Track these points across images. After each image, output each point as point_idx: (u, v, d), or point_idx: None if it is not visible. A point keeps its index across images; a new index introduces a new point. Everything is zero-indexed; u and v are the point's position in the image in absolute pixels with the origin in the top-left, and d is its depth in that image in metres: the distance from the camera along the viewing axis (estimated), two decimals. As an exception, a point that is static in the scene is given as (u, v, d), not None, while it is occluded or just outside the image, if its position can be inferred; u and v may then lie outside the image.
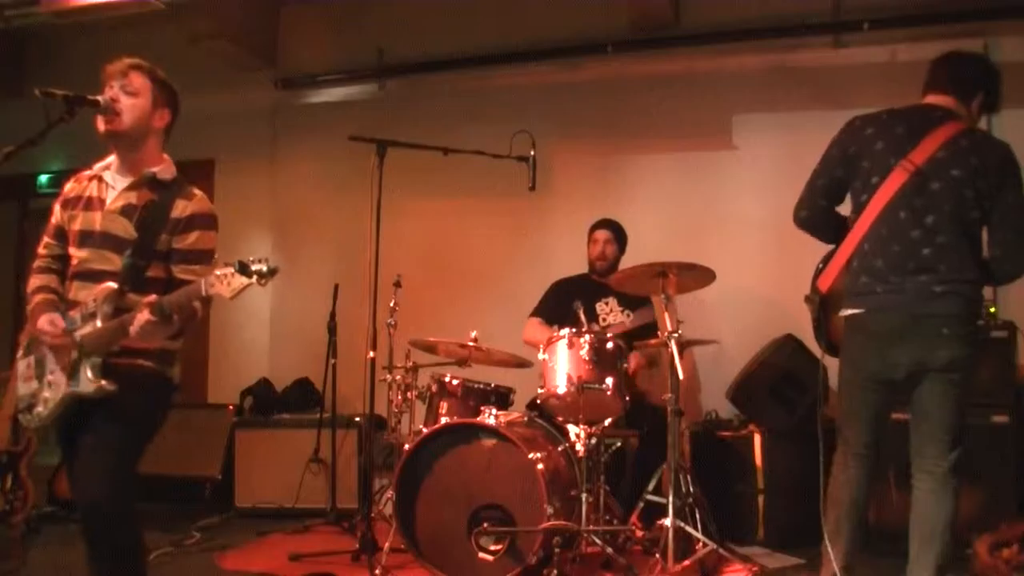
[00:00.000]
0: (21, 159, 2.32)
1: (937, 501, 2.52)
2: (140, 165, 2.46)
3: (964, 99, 2.64)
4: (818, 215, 2.73)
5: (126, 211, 2.40)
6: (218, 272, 2.11)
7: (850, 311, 2.60)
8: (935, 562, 2.48)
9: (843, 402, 2.70)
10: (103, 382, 2.28)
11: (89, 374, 2.28)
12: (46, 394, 2.38)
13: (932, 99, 2.66)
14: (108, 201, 2.43)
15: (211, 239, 2.44)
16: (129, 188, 2.44)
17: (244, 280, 2.09)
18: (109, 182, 2.46)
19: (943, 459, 2.53)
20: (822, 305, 2.71)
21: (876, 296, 2.52)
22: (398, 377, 3.95)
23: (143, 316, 2.18)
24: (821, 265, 2.76)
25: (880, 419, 2.64)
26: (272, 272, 2.11)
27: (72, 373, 2.32)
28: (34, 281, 2.50)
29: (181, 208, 2.41)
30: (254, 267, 2.10)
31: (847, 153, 2.64)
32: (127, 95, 2.40)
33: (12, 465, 4.15)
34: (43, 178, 6.25)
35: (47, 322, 2.37)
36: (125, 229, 2.38)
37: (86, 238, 2.41)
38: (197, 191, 2.49)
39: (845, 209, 2.77)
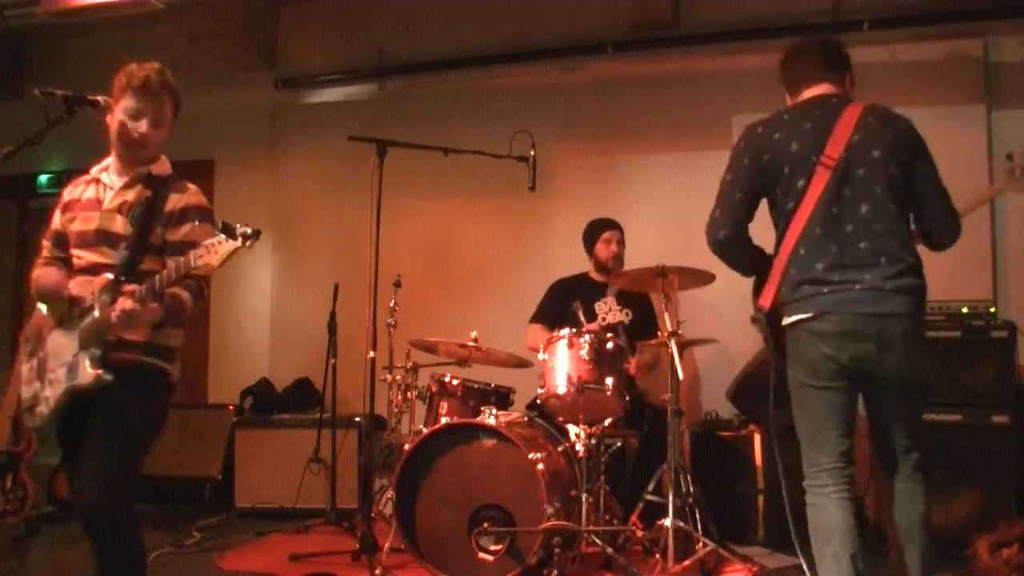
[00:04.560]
0: (21, 159, 2.33)
1: (908, 501, 2.43)
2: (138, 166, 2.49)
3: (840, 80, 2.58)
4: (741, 234, 2.54)
5: (122, 208, 2.43)
6: (205, 243, 2.13)
7: (795, 317, 2.41)
8: (919, 559, 2.41)
9: (804, 418, 2.46)
10: (100, 371, 2.29)
11: (87, 365, 2.30)
12: (47, 392, 2.39)
13: (815, 90, 2.57)
14: (106, 201, 2.46)
15: (205, 231, 2.43)
16: (125, 186, 2.47)
17: (231, 244, 2.10)
18: (107, 183, 2.50)
19: (906, 461, 2.44)
20: (769, 321, 2.53)
21: (823, 297, 2.37)
22: (398, 377, 3.95)
23: (122, 302, 2.21)
24: (756, 284, 2.64)
25: (850, 423, 2.42)
26: (256, 234, 2.12)
27: (72, 367, 2.34)
28: (35, 272, 2.53)
29: (174, 201, 2.44)
30: (239, 230, 2.10)
31: (762, 162, 2.49)
32: (156, 128, 2.45)
33: (12, 465, 4.16)
34: (43, 178, 6.25)
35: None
36: (122, 226, 2.41)
37: (85, 238, 2.44)
38: (191, 185, 2.52)
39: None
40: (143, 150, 2.45)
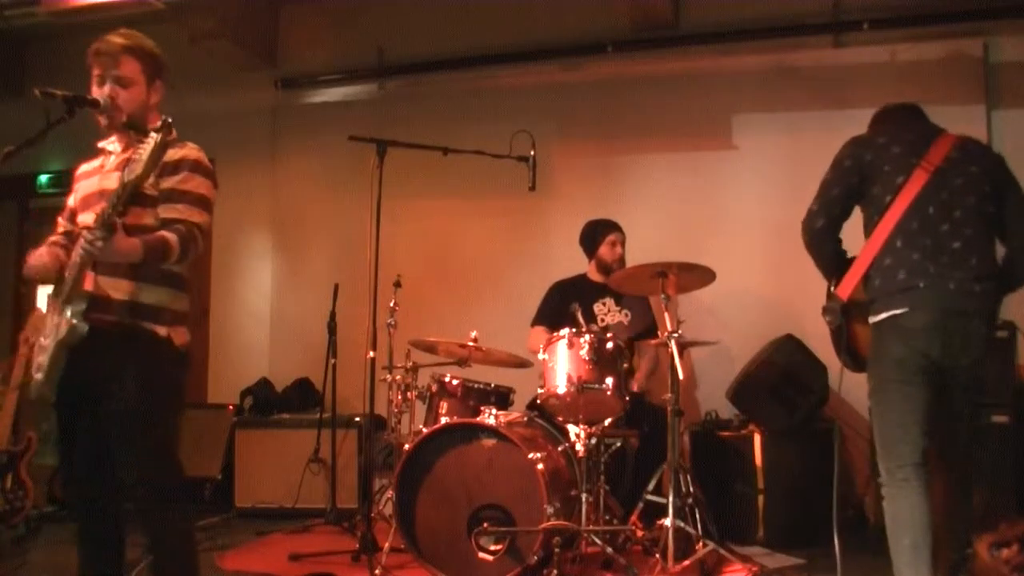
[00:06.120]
0: (21, 159, 2.33)
1: (952, 509, 2.60)
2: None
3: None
4: (834, 227, 2.77)
5: (121, 166, 2.42)
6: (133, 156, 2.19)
7: (891, 312, 2.55)
8: (952, 556, 2.59)
9: (888, 413, 2.57)
10: (75, 321, 2.26)
11: (68, 315, 2.28)
12: (40, 359, 2.40)
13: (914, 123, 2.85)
14: (107, 165, 2.50)
15: (199, 184, 2.43)
16: (125, 149, 2.50)
17: (147, 145, 2.16)
18: (112, 151, 2.53)
19: (962, 466, 2.63)
20: (843, 313, 2.70)
21: (919, 292, 2.52)
22: (398, 377, 3.95)
23: (85, 234, 2.20)
24: (834, 280, 2.78)
25: (930, 420, 2.53)
26: (166, 125, 2.20)
27: (57, 327, 2.33)
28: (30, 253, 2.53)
29: (171, 155, 2.42)
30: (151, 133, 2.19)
31: (863, 161, 2.70)
32: (122, 88, 2.44)
33: (12, 465, 4.16)
34: (43, 178, 6.24)
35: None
36: (117, 181, 2.37)
37: (87, 201, 2.48)
38: (191, 144, 2.51)
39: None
40: (119, 114, 2.44)
